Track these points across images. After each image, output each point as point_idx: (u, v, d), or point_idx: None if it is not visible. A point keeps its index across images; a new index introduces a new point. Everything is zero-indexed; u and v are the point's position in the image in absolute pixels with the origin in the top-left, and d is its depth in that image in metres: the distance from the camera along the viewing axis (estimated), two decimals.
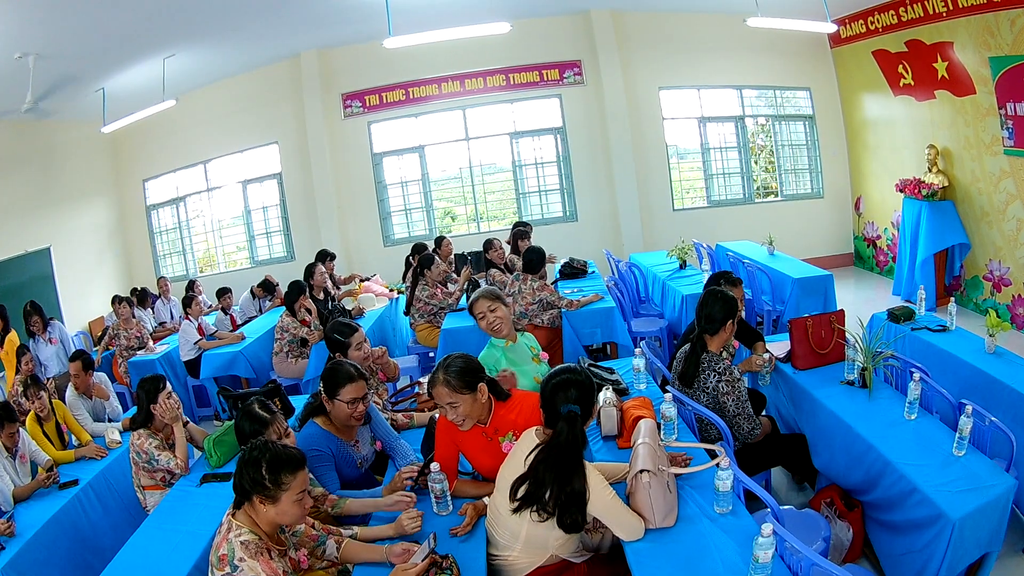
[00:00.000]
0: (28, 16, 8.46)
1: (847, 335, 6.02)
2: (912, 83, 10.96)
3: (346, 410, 4.97)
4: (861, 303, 10.58)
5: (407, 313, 10.56)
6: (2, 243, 12.51)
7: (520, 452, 3.92)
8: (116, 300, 11.36)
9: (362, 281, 12.39)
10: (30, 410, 7.37)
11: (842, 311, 6.28)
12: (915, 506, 4.31)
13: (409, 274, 11.15)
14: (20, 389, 8.39)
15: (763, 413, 6.33)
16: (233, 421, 6.15)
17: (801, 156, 14.23)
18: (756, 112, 14.43)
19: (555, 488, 3.62)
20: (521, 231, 11.26)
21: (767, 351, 6.26)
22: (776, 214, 14.06)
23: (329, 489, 4.82)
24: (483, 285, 9.76)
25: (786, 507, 4.41)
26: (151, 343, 10.86)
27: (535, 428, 3.99)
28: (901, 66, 11.08)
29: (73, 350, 10.15)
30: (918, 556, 4.31)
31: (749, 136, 14.56)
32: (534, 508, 3.66)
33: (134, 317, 11.34)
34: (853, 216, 13.72)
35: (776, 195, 14.54)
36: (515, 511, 3.71)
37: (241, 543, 3.50)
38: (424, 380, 6.74)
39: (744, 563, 3.35)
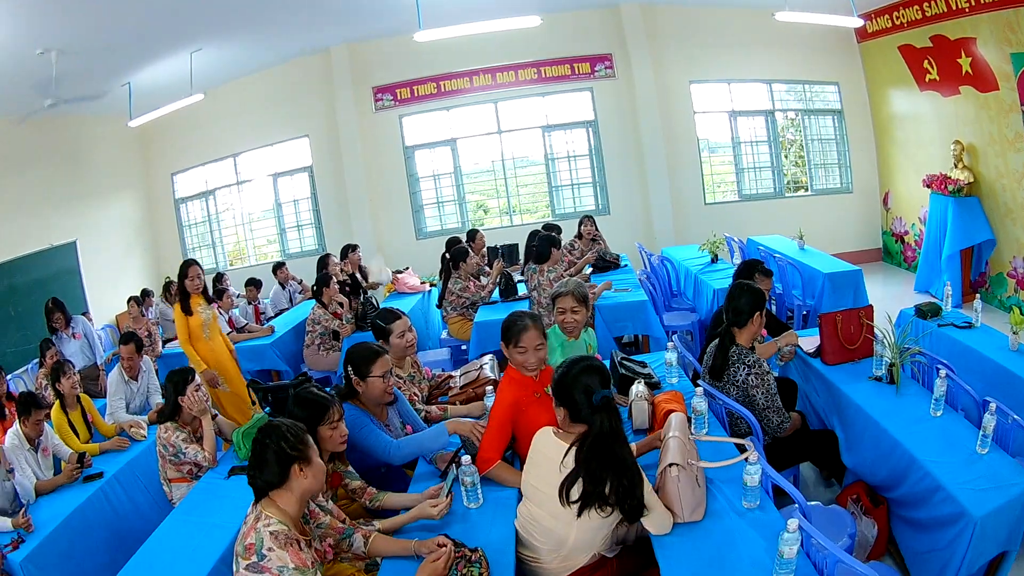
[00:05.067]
0: (49, 12, 8.53)
1: (876, 331, 5.94)
2: (937, 78, 10.94)
3: (380, 385, 5.09)
4: (889, 298, 10.50)
5: (440, 306, 10.60)
6: (28, 237, 12.58)
7: (543, 456, 3.91)
8: (130, 299, 11.56)
9: (395, 273, 12.27)
10: (54, 403, 7.42)
11: (871, 307, 6.29)
12: (939, 503, 4.31)
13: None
14: (44, 383, 8.72)
15: (794, 408, 6.29)
16: (262, 413, 6.55)
17: (830, 151, 14.20)
18: (785, 106, 14.39)
19: (613, 479, 3.59)
20: (553, 230, 10.74)
21: (787, 341, 6.27)
22: (806, 208, 14.04)
23: (388, 446, 4.98)
24: (516, 278, 10.12)
25: (813, 503, 4.37)
26: (159, 345, 10.93)
27: (548, 429, 4.00)
28: (926, 61, 11.06)
29: (98, 344, 10.64)
30: (941, 554, 4.31)
31: (779, 130, 14.51)
32: (597, 506, 3.61)
33: (143, 315, 11.41)
34: (881, 211, 13.67)
35: (806, 189, 14.51)
36: (579, 514, 3.63)
37: (270, 533, 3.46)
38: (457, 373, 6.79)
39: (770, 558, 3.35)
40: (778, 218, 13.65)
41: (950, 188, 10.33)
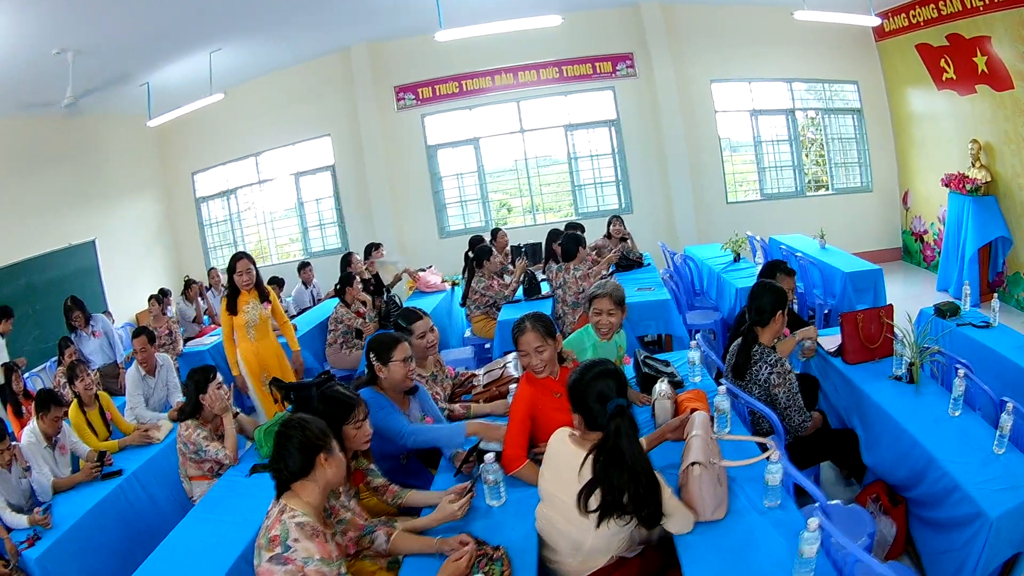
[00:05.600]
0: (65, 12, 8.56)
1: (896, 330, 5.90)
2: (954, 77, 10.95)
3: (401, 369, 5.17)
4: (909, 298, 10.52)
5: (463, 305, 10.63)
6: (46, 236, 12.71)
7: (560, 462, 3.90)
8: (150, 298, 11.68)
9: (418, 271, 12.34)
10: (72, 401, 7.41)
11: (891, 306, 6.29)
12: (956, 503, 4.33)
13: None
14: (63, 380, 8.77)
15: (815, 407, 6.29)
16: (285, 412, 6.37)
17: (850, 150, 14.21)
18: (806, 105, 14.40)
19: (631, 487, 3.54)
20: (576, 229, 10.72)
21: (808, 337, 6.27)
22: (826, 208, 14.05)
23: (404, 428, 5.06)
24: (538, 276, 10.22)
25: (833, 502, 4.37)
26: (179, 343, 11.07)
27: (565, 431, 3.98)
28: (943, 60, 11.08)
29: (118, 342, 10.62)
30: (957, 554, 4.33)
31: (799, 129, 14.51)
32: (615, 515, 3.58)
33: (164, 314, 11.48)
34: (901, 210, 13.65)
35: (827, 188, 14.52)
36: (597, 525, 3.60)
37: (296, 524, 3.50)
38: (480, 371, 6.77)
39: (791, 557, 3.32)
40: (799, 217, 13.66)
41: (968, 187, 10.33)
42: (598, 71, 14.63)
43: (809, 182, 14.84)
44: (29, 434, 6.61)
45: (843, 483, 6.20)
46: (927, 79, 11.76)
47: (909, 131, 12.99)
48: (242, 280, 8.14)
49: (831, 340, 6.50)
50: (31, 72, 10.02)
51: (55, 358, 10.20)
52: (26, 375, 9.74)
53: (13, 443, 6.29)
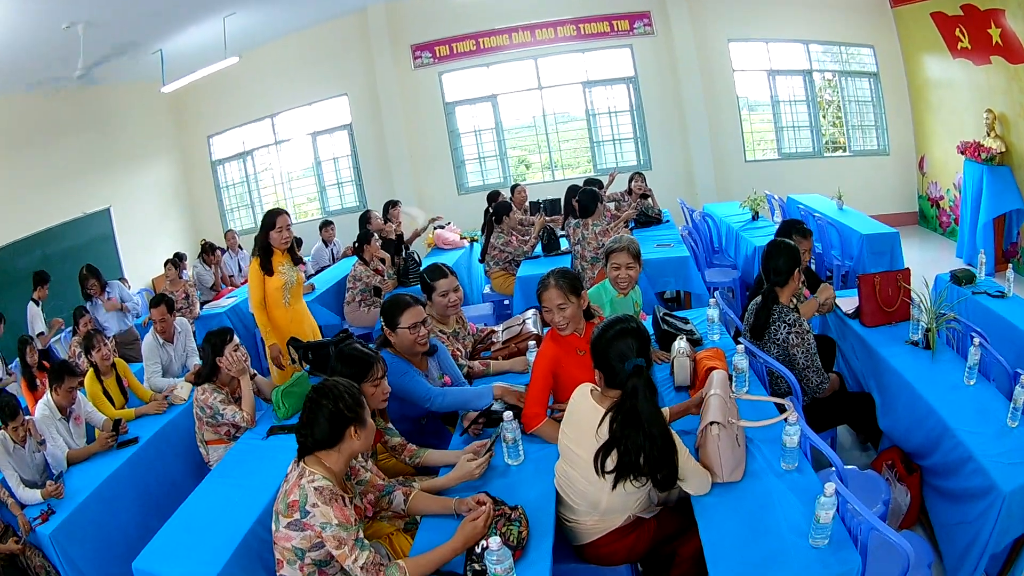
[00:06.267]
0: None
1: (913, 295, 5.94)
2: (969, 47, 10.82)
3: (409, 336, 5.14)
4: (925, 263, 10.47)
5: (482, 261, 10.72)
6: (60, 207, 12.77)
7: (580, 418, 3.91)
8: (166, 262, 11.46)
9: (437, 226, 12.49)
10: (87, 370, 7.35)
11: (908, 270, 6.26)
12: (970, 475, 4.33)
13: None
14: (78, 351, 8.64)
15: (832, 369, 6.32)
16: (303, 372, 6.56)
17: (867, 112, 14.08)
18: (823, 67, 14.35)
19: (647, 448, 3.55)
20: (594, 185, 10.81)
21: (829, 297, 6.24)
22: (843, 169, 13.96)
23: (429, 392, 5.06)
24: (557, 232, 10.26)
25: (849, 467, 4.30)
26: (196, 306, 11.00)
27: (587, 387, 3.99)
28: (958, 29, 10.93)
29: (135, 309, 10.69)
30: (970, 527, 4.31)
31: (817, 91, 14.49)
32: (631, 476, 3.62)
33: (181, 278, 11.39)
34: (917, 175, 13.57)
35: (844, 150, 14.46)
36: (613, 486, 3.65)
37: (315, 488, 3.49)
38: (499, 328, 6.76)
39: (806, 521, 3.34)
40: (816, 177, 13.62)
41: (983, 156, 10.28)
42: (615, 29, 14.57)
43: (826, 143, 14.71)
44: (43, 407, 6.60)
45: (859, 447, 6.21)
46: (942, 47, 11.63)
47: (925, 97, 12.88)
48: (282, 237, 7.43)
49: (849, 301, 6.52)
50: (42, 48, 10.00)
51: (70, 328, 10.23)
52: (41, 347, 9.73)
53: (27, 417, 6.27)
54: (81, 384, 6.86)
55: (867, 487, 4.30)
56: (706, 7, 14.10)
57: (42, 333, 10.06)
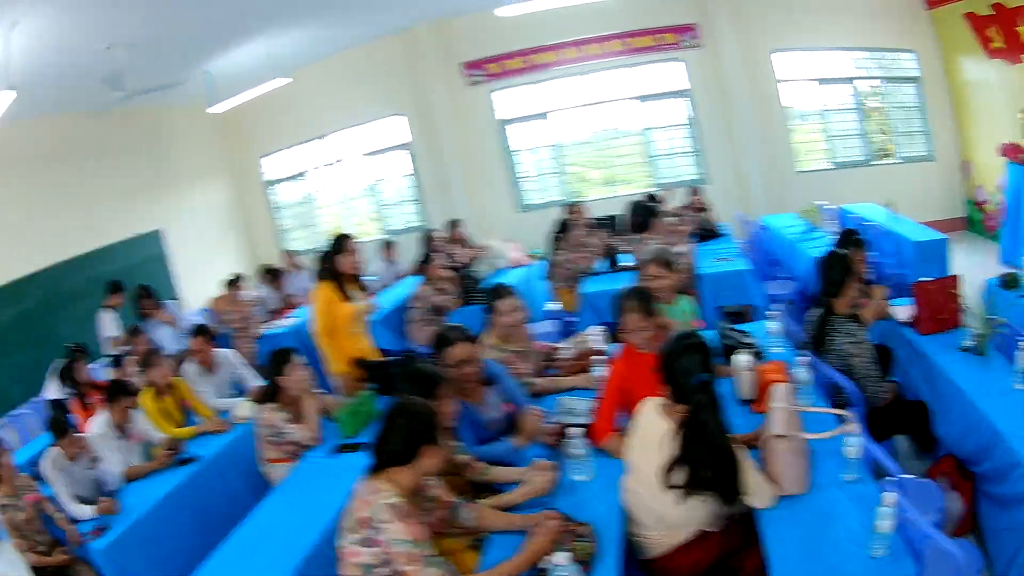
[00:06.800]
0: (110, 9, 8.48)
1: (964, 301, 5.96)
2: (1003, 46, 10.87)
3: (452, 372, 4.98)
4: (973, 268, 10.22)
5: (546, 278, 10.66)
6: (110, 228, 13.06)
7: (646, 432, 3.99)
8: (224, 283, 11.58)
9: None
10: (142, 390, 7.37)
11: (957, 276, 6.23)
12: (1018, 480, 4.28)
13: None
14: (132, 369, 8.62)
15: (890, 378, 6.12)
16: (368, 391, 6.59)
17: (913, 118, 14.05)
18: (868, 74, 14.36)
19: (712, 462, 3.65)
20: (653, 200, 10.89)
21: (880, 299, 6.22)
22: (892, 176, 13.98)
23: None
24: (615, 247, 10.30)
25: (907, 476, 4.07)
26: (258, 327, 11.16)
27: (653, 403, 4.05)
28: (990, 29, 11.00)
29: (187, 330, 10.11)
30: (1017, 534, 4.34)
31: (862, 98, 14.49)
32: (697, 491, 3.68)
33: (239, 299, 11.42)
34: (962, 180, 13.53)
35: (892, 157, 14.45)
36: (679, 501, 3.71)
37: (388, 505, 3.48)
38: (562, 345, 6.75)
39: (865, 532, 3.35)
40: (866, 186, 13.49)
41: (1022, 158, 10.26)
42: (662, 43, 14.63)
43: (875, 150, 14.62)
44: (98, 424, 6.66)
45: (916, 456, 6.05)
46: (977, 48, 11.67)
47: (965, 100, 12.87)
48: (351, 262, 7.20)
49: (905, 310, 6.45)
50: (83, 70, 10.04)
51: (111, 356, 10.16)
52: (94, 365, 9.82)
53: (78, 435, 6.42)
54: (136, 403, 7.02)
55: (923, 496, 4.02)
56: (749, 19, 14.13)
57: (115, 337, 10.14)
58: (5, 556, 8.02)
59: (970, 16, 11.53)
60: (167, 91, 12.44)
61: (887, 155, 14.61)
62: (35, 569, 5.76)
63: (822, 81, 14.55)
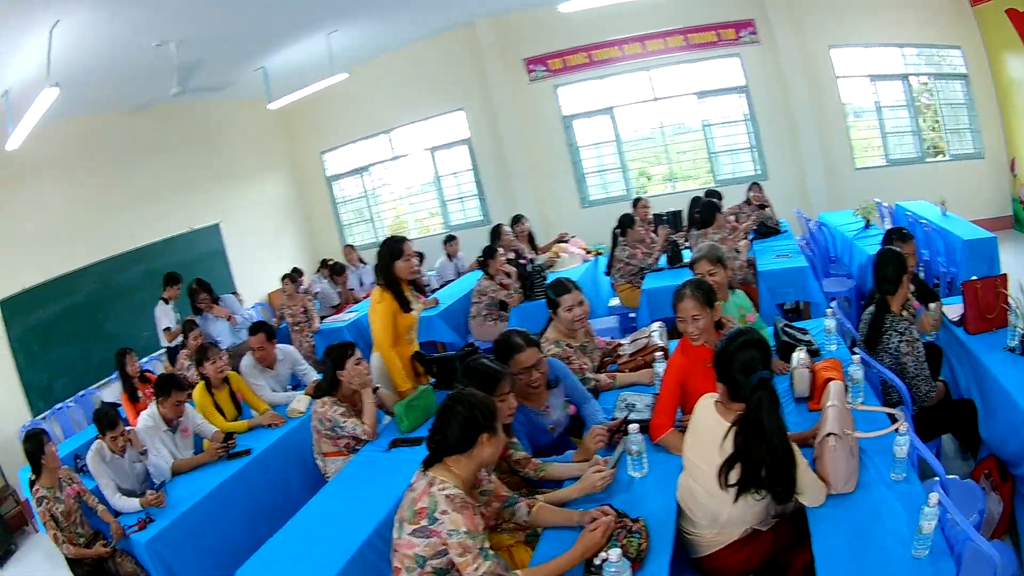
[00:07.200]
0: (159, 6, 8.48)
1: (1010, 300, 5.76)
2: None
3: (520, 379, 5.05)
4: (1021, 268, 10.56)
5: (608, 274, 10.90)
6: (167, 222, 13.62)
7: (702, 430, 3.99)
8: (284, 277, 11.94)
9: (561, 243, 12.63)
10: (196, 383, 7.69)
11: (1005, 275, 6.12)
12: None
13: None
14: (187, 363, 9.07)
15: (939, 377, 6.27)
16: (427, 386, 6.70)
17: (961, 115, 14.06)
18: (918, 70, 14.37)
19: (769, 460, 3.64)
20: (714, 196, 11.12)
21: (935, 308, 6.18)
22: (943, 174, 14.06)
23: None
24: (677, 243, 10.33)
25: (950, 476, 4.06)
26: (316, 321, 11.44)
27: (710, 399, 4.05)
28: None
29: (245, 323, 10.57)
30: None
31: (914, 95, 14.50)
32: (753, 489, 3.71)
33: (298, 293, 11.78)
34: (1010, 177, 13.59)
35: (943, 154, 14.49)
36: (736, 499, 3.74)
37: (446, 496, 3.56)
38: (626, 340, 6.72)
39: (910, 532, 3.34)
40: (919, 183, 13.65)
41: None
42: (722, 38, 14.76)
43: (928, 148, 14.62)
44: (147, 418, 6.81)
45: (961, 456, 6.22)
46: (1020, 44, 11.70)
47: (1011, 97, 12.90)
48: (410, 266, 6.89)
49: (954, 309, 6.41)
50: (134, 66, 10.23)
51: (162, 350, 10.62)
52: (146, 359, 10.19)
53: (127, 428, 6.58)
54: (189, 397, 7.21)
55: (965, 497, 3.96)
56: (806, 14, 14.17)
57: (168, 328, 10.33)
58: (42, 548, 8.63)
59: (1012, 12, 11.62)
60: (223, 88, 12.94)
61: (938, 152, 14.59)
62: (71, 561, 6.00)
63: (874, 78, 14.59)
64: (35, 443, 5.99)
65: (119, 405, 8.84)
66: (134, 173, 13.12)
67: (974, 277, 6.19)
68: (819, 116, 14.58)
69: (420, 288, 7.61)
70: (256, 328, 8.25)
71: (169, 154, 13.92)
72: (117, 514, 6.10)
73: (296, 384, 8.56)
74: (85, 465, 6.76)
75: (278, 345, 8.42)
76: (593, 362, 6.33)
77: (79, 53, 8.72)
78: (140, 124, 13.21)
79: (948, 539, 3.36)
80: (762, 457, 3.64)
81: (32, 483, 6.04)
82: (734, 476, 3.70)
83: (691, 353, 5.04)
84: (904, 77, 14.39)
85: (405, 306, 6.87)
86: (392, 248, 6.86)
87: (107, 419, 6.40)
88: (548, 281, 7.71)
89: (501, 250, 10.69)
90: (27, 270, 11.00)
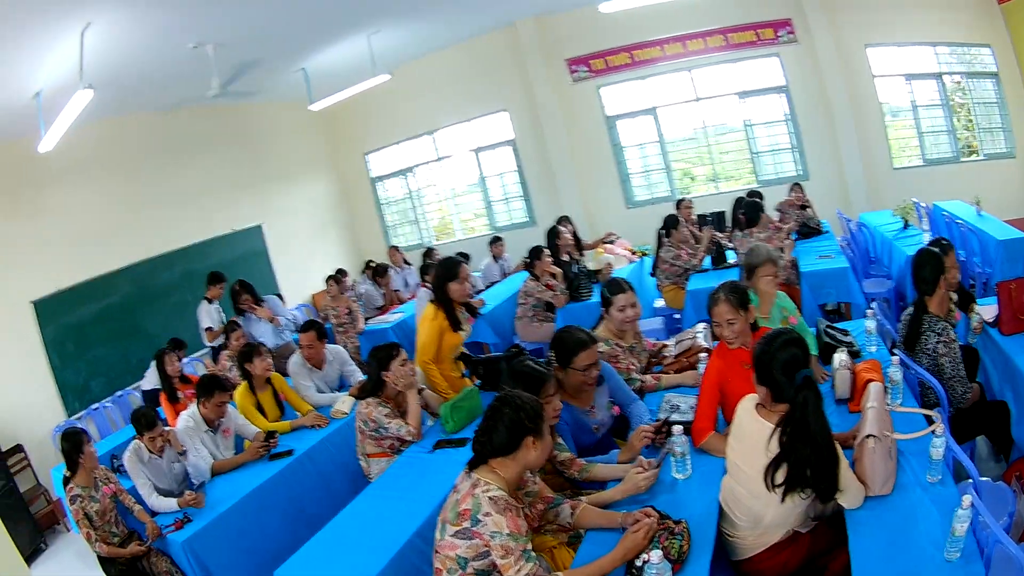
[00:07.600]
0: (196, 7, 8.53)
1: None
2: None
3: (580, 377, 5.13)
4: None
5: (653, 275, 10.94)
6: (209, 223, 13.95)
7: (747, 433, 4.03)
8: (328, 278, 12.02)
9: (606, 243, 12.61)
10: (239, 384, 7.74)
11: None
12: None
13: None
14: (228, 364, 9.23)
15: (975, 379, 6.20)
16: (472, 387, 6.75)
17: (993, 114, 14.05)
18: (951, 69, 14.39)
19: (814, 460, 3.67)
20: (756, 196, 11.26)
21: (977, 313, 6.29)
22: (977, 173, 13.99)
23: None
24: (721, 244, 10.84)
25: (983, 479, 4.13)
26: (360, 322, 11.59)
27: (751, 401, 4.12)
28: None
29: (288, 324, 11.10)
30: None
31: (948, 94, 14.52)
32: (799, 489, 3.74)
33: (343, 294, 11.84)
34: None
35: (977, 154, 14.49)
36: (782, 500, 3.77)
37: (490, 498, 3.60)
38: (671, 342, 6.83)
39: (943, 534, 3.37)
40: (954, 183, 13.65)
41: None
42: (761, 38, 14.89)
43: (962, 147, 14.56)
44: (187, 419, 6.89)
45: (994, 458, 6.11)
46: None
47: None
48: (464, 290, 7.08)
49: (989, 310, 6.36)
50: (172, 67, 10.35)
51: (203, 351, 10.79)
52: (188, 359, 10.27)
53: (167, 428, 6.68)
54: (231, 398, 7.30)
55: (996, 499, 4.01)
56: (842, 13, 14.28)
57: (210, 328, 10.59)
58: (74, 547, 8.90)
59: None
60: (263, 89, 13.15)
61: (972, 151, 14.59)
62: (104, 560, 6.13)
63: (909, 76, 14.65)
64: (73, 442, 6.13)
65: (159, 404, 9.04)
66: (172, 175, 13.41)
67: (1010, 277, 6.21)
68: (858, 116, 14.56)
69: (473, 311, 7.72)
70: (307, 326, 8.31)
71: (209, 155, 14.20)
72: (154, 514, 6.25)
73: (342, 386, 8.61)
74: (122, 465, 6.96)
75: (327, 345, 8.49)
76: (640, 363, 6.39)
77: (113, 55, 8.90)
78: (178, 125, 13.47)
79: (979, 541, 3.42)
80: (807, 456, 3.68)
81: (66, 481, 6.19)
82: (780, 476, 3.74)
83: (728, 356, 5.13)
84: (938, 76, 14.44)
85: (456, 325, 7.02)
86: (448, 269, 7.02)
87: (146, 419, 6.55)
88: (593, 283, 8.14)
89: (548, 251, 10.59)
90: (61, 271, 11.25)
